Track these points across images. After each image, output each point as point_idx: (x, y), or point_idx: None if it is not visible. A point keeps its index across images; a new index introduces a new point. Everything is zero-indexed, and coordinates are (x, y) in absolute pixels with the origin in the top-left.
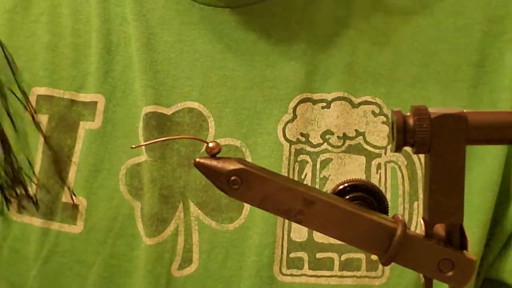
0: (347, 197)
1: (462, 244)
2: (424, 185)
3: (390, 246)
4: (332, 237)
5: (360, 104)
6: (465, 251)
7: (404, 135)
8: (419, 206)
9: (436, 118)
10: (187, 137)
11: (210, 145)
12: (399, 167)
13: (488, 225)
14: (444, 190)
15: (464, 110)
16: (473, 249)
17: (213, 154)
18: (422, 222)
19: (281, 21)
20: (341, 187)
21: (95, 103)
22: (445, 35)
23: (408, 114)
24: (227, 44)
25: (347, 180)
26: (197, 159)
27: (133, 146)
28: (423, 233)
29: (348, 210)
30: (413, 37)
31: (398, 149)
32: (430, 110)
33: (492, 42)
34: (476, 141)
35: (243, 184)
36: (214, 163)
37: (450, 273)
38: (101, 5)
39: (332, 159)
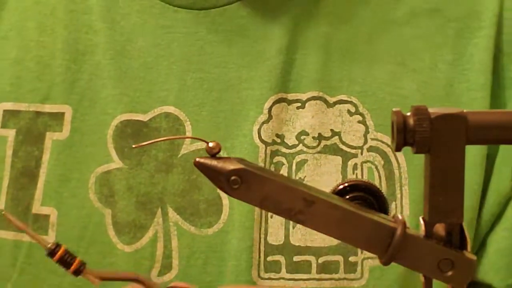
0: (347, 197)
1: (462, 244)
2: (424, 185)
3: (390, 246)
4: (332, 237)
5: (335, 103)
6: (465, 251)
7: (404, 135)
8: (396, 206)
9: (436, 118)
10: (188, 137)
11: (210, 144)
12: (376, 167)
13: (474, 225)
14: (444, 190)
15: (464, 110)
16: None
17: (213, 154)
18: (422, 222)
19: (256, 21)
20: (341, 187)
21: (62, 113)
22: (421, 32)
23: (408, 114)
24: (202, 47)
25: (347, 179)
26: (197, 159)
27: (134, 146)
28: (422, 232)
29: (348, 210)
30: (389, 34)
31: (398, 149)
32: (430, 110)
33: (469, 38)
34: (476, 141)
35: (243, 184)
36: (214, 162)
37: (450, 273)
38: (67, 15)
39: (307, 160)
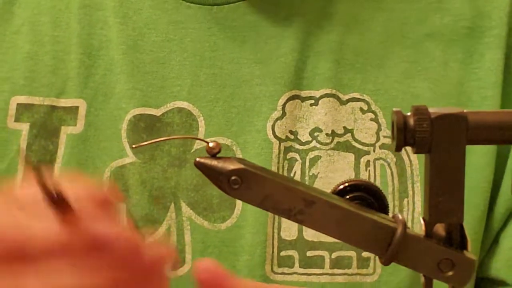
0: (347, 197)
1: (462, 244)
2: (424, 185)
3: (390, 246)
4: (333, 236)
5: (348, 101)
6: (465, 251)
7: (404, 135)
8: (408, 203)
9: (436, 118)
10: (189, 136)
11: (210, 144)
12: (388, 164)
13: (483, 223)
14: (444, 190)
15: (464, 110)
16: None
17: (213, 153)
18: (422, 221)
19: (269, 17)
20: (341, 187)
21: (77, 107)
22: (433, 31)
23: (409, 114)
24: (215, 42)
25: (347, 180)
26: (197, 159)
27: (134, 146)
28: (423, 232)
29: (348, 210)
30: (401, 33)
31: (398, 149)
32: (430, 110)
33: (479, 38)
34: (476, 141)
35: (243, 184)
36: (214, 163)
37: (450, 273)
38: (82, 10)
39: (321, 156)
